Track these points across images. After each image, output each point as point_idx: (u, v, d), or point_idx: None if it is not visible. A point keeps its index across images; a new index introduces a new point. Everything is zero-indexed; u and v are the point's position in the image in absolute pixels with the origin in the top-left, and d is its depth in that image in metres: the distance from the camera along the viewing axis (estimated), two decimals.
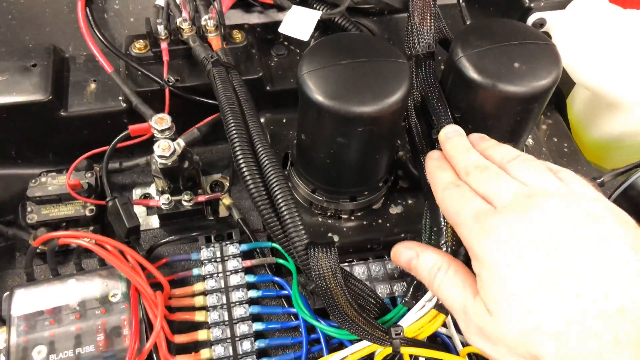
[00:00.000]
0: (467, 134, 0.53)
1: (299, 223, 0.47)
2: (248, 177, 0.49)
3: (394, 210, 0.61)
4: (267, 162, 0.50)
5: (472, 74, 0.50)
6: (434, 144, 0.54)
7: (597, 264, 0.35)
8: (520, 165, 0.43)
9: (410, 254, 0.46)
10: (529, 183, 0.41)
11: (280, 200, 0.47)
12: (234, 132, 0.50)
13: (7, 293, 0.53)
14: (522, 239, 0.37)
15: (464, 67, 0.51)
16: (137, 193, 0.65)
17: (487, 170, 0.43)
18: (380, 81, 0.48)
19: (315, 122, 0.50)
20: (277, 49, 0.69)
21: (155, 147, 0.55)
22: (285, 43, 0.70)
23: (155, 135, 0.56)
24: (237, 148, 0.50)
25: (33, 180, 0.60)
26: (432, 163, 0.49)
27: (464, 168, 0.45)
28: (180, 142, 0.56)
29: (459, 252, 0.46)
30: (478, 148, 0.47)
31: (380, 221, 0.60)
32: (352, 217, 0.60)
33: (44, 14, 0.66)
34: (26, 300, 0.52)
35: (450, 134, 0.50)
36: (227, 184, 0.66)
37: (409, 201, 0.61)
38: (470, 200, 0.42)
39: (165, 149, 0.54)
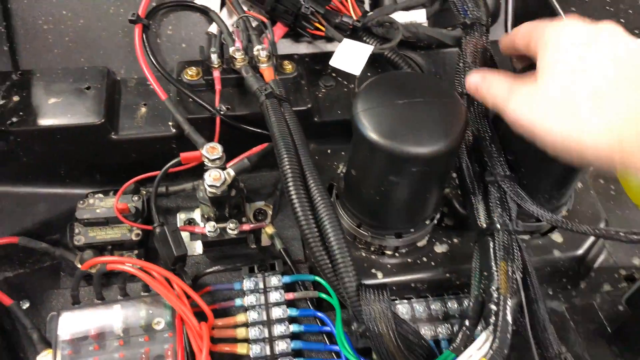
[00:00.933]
0: (520, 177, 0.53)
1: (350, 263, 0.47)
2: (300, 213, 0.49)
3: (439, 248, 0.60)
4: (318, 197, 0.50)
5: None
6: (487, 186, 0.54)
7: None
8: None
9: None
10: None
11: (331, 238, 0.47)
12: (287, 166, 0.51)
13: (53, 314, 0.54)
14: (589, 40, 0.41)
15: None
16: (181, 218, 0.65)
17: None
18: (437, 121, 0.48)
19: (368, 160, 0.50)
20: (325, 80, 0.69)
21: (206, 176, 0.55)
22: (333, 74, 0.70)
23: (205, 163, 0.57)
24: (290, 182, 0.50)
25: (81, 202, 0.61)
26: None
27: None
28: (230, 172, 0.56)
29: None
30: None
31: (424, 259, 0.59)
32: (396, 254, 0.59)
33: (99, 37, 0.68)
34: (72, 323, 0.52)
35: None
36: (270, 212, 0.66)
37: (454, 240, 0.61)
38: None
39: (216, 179, 0.55)
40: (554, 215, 0.50)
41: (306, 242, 0.48)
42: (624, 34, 0.43)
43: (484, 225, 0.52)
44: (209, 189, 0.55)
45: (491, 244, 0.51)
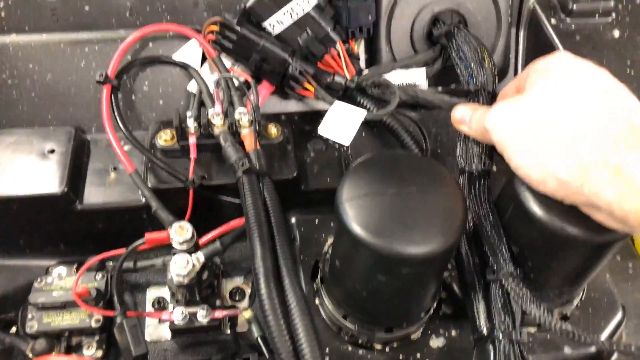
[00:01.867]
0: (525, 271, 0.47)
1: None
2: (272, 321, 0.43)
3: (435, 342, 0.53)
4: (293, 303, 0.44)
5: (538, 210, 0.43)
6: (488, 285, 0.48)
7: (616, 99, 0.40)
8: None
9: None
10: None
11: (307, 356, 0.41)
12: (259, 261, 0.45)
13: None
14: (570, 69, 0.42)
15: (527, 201, 0.44)
16: (150, 296, 0.59)
17: None
18: (432, 217, 0.42)
19: (354, 255, 0.44)
20: (314, 143, 0.64)
21: (172, 263, 0.49)
22: (324, 137, 0.64)
23: (173, 245, 0.51)
24: (262, 281, 0.44)
25: (38, 280, 0.55)
26: None
27: None
28: (200, 257, 0.50)
29: None
30: None
31: (418, 355, 0.53)
32: (387, 349, 0.53)
33: (68, 93, 0.62)
34: None
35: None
36: (249, 291, 0.60)
37: (452, 332, 0.54)
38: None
39: (182, 267, 0.49)
40: (562, 324, 0.44)
41: (276, 354, 0.42)
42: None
43: (484, 332, 0.46)
44: (175, 277, 0.49)
45: (492, 353, 0.45)
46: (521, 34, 0.67)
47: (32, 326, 0.53)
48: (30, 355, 0.52)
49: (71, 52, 0.62)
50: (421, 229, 0.41)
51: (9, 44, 0.61)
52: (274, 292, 0.43)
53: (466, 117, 0.50)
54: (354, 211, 0.42)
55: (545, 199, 0.43)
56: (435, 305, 0.54)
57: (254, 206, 0.48)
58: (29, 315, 0.53)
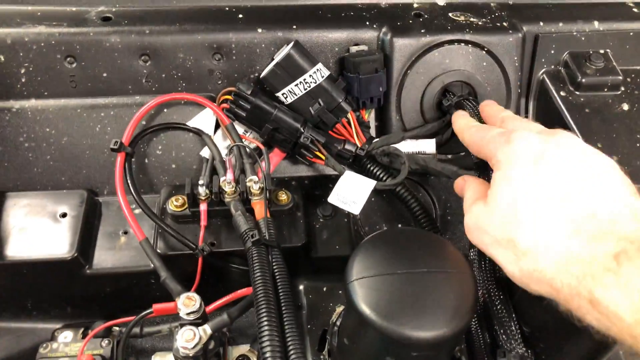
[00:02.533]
0: (537, 352, 0.46)
1: None
2: None
3: None
4: None
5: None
6: None
7: (586, 188, 0.40)
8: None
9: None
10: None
11: None
12: (267, 340, 0.44)
13: None
14: (537, 157, 0.43)
15: None
16: None
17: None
18: (442, 300, 0.42)
19: (363, 335, 0.43)
20: (323, 209, 0.64)
21: (179, 335, 0.49)
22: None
23: (180, 315, 0.50)
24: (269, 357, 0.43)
25: (44, 346, 0.55)
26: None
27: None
28: (207, 330, 0.50)
29: None
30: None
31: None
32: None
33: (83, 156, 0.63)
34: None
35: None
36: (255, 359, 0.59)
37: None
38: (493, 128, 0.50)
39: (189, 340, 0.48)
40: None
41: None
42: (575, 146, 0.43)
43: None
44: (181, 350, 0.49)
45: None
46: (530, 104, 0.68)
47: None
48: None
49: (87, 116, 0.63)
50: (431, 312, 0.41)
51: (27, 108, 0.62)
52: None
53: (463, 190, 0.51)
54: (364, 291, 0.42)
55: None
56: None
57: (263, 280, 0.48)
58: None
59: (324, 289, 0.62)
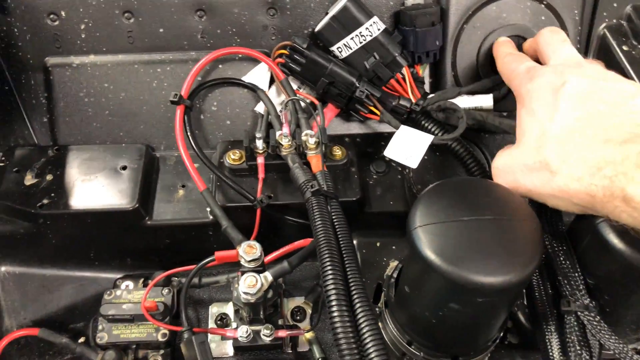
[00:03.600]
0: (601, 304, 0.46)
1: None
2: (343, 341, 0.42)
3: None
4: (364, 319, 0.44)
5: (618, 242, 0.42)
6: (561, 316, 0.46)
7: (615, 102, 0.42)
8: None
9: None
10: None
11: None
12: (332, 285, 0.44)
13: None
14: (557, 87, 0.45)
15: (606, 232, 0.43)
16: (213, 312, 0.60)
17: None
18: (509, 247, 0.41)
19: (426, 282, 0.44)
20: (377, 166, 0.64)
21: (241, 281, 0.50)
22: (386, 159, 0.64)
23: (241, 264, 0.51)
24: (334, 304, 0.44)
25: (108, 293, 0.56)
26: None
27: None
28: (268, 277, 0.51)
29: None
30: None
31: None
32: None
33: (140, 111, 0.65)
34: None
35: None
36: (309, 311, 0.60)
37: None
38: (524, 60, 0.53)
39: (251, 286, 0.49)
40: None
41: None
42: (598, 73, 0.45)
43: None
44: (243, 295, 0.50)
45: None
46: (590, 59, 0.66)
47: (102, 337, 0.54)
48: None
49: (144, 72, 0.64)
50: (498, 258, 0.40)
51: (87, 63, 0.64)
52: (346, 315, 0.43)
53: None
54: (428, 238, 0.41)
55: (626, 231, 0.41)
56: (501, 334, 0.53)
57: (324, 228, 0.49)
58: (100, 327, 0.55)
59: (377, 244, 0.62)
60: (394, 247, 0.61)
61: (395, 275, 0.55)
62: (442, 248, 0.41)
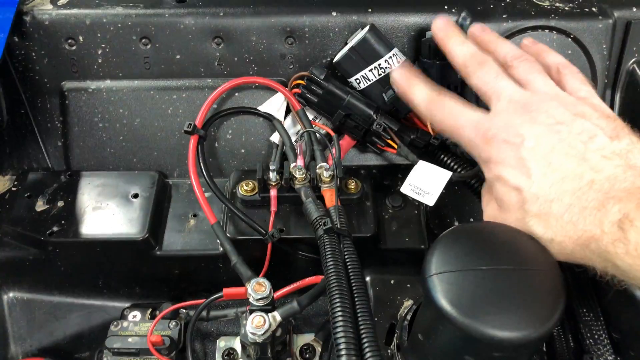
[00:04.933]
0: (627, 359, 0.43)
1: None
2: None
3: None
4: None
5: None
6: None
7: (579, 152, 0.42)
8: (522, 66, 0.49)
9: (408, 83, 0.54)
10: (527, 85, 0.47)
11: None
12: (340, 327, 0.43)
13: None
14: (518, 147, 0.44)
15: (634, 287, 0.41)
16: (220, 346, 0.58)
17: (485, 65, 0.49)
18: (529, 299, 0.39)
19: (441, 332, 0.42)
20: (393, 200, 0.62)
21: (248, 320, 0.48)
22: (403, 193, 0.62)
23: (250, 301, 0.50)
24: (342, 349, 0.42)
25: (114, 324, 0.55)
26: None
27: (462, 58, 0.51)
28: (277, 317, 0.49)
29: None
30: (480, 39, 0.53)
31: None
32: None
33: (154, 138, 0.64)
34: None
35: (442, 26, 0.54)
36: (319, 349, 0.58)
37: None
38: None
39: (259, 326, 0.48)
40: None
41: None
42: (545, 118, 0.44)
43: None
44: (250, 335, 0.48)
45: None
46: (617, 95, 0.64)
47: None
48: None
49: (160, 98, 0.63)
50: (517, 311, 0.38)
51: (103, 88, 0.63)
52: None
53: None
54: (444, 287, 0.40)
55: None
56: None
57: (336, 268, 0.47)
58: (105, 359, 0.54)
59: (392, 281, 0.60)
60: (408, 285, 0.59)
61: (409, 317, 0.53)
62: (459, 298, 0.39)
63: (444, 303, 0.39)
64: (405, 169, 0.59)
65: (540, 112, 0.44)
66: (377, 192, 0.63)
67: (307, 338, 0.59)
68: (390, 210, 0.62)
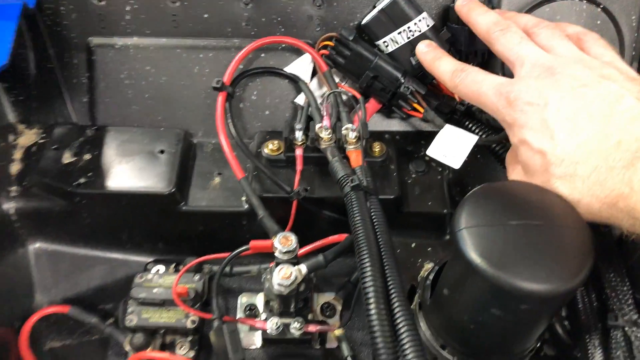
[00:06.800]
0: None
1: None
2: (379, 339, 0.41)
3: None
4: (401, 319, 0.42)
5: None
6: (607, 331, 0.45)
7: (605, 113, 0.42)
8: (543, 32, 0.49)
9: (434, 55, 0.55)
10: (551, 50, 0.47)
11: None
12: (370, 282, 0.43)
13: None
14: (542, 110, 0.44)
15: None
16: (242, 302, 0.59)
17: (509, 31, 0.50)
18: (558, 254, 0.40)
19: (468, 285, 0.42)
20: (416, 165, 0.62)
21: (275, 272, 0.49)
22: (426, 158, 0.63)
23: (276, 255, 0.51)
24: (372, 302, 0.42)
25: (139, 276, 0.56)
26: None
27: (486, 26, 0.51)
28: (302, 269, 0.50)
29: None
30: (499, 13, 0.53)
31: None
32: None
33: (180, 96, 0.64)
34: None
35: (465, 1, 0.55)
36: (339, 307, 0.59)
37: None
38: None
39: (285, 277, 0.48)
40: None
41: None
42: (569, 80, 0.44)
43: None
44: (276, 287, 0.49)
45: None
46: None
47: (132, 320, 0.54)
48: (128, 348, 0.54)
49: (186, 57, 0.64)
50: (546, 265, 0.39)
51: (130, 45, 0.63)
52: (384, 314, 0.42)
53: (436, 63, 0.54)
54: (474, 240, 0.40)
55: None
56: (538, 345, 0.51)
57: (363, 223, 0.48)
58: (129, 309, 0.55)
59: (413, 245, 0.61)
60: (429, 249, 0.60)
61: (431, 277, 0.54)
62: (488, 251, 0.39)
63: (474, 255, 0.39)
64: (429, 136, 0.59)
65: (565, 75, 0.44)
66: (401, 158, 0.63)
67: (328, 297, 0.60)
68: (413, 175, 0.62)
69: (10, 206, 0.59)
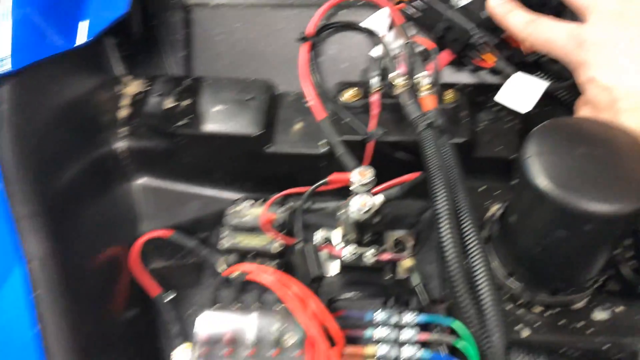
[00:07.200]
0: None
1: (502, 320, 0.43)
2: (453, 262, 0.46)
3: (599, 315, 0.53)
4: (474, 246, 0.47)
5: None
6: None
7: None
8: None
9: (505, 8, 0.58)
10: None
11: (485, 293, 0.44)
12: (442, 206, 0.48)
13: (194, 310, 0.56)
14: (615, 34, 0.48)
15: None
16: (319, 235, 0.65)
17: None
18: (623, 178, 0.43)
19: (535, 209, 0.46)
20: (486, 114, 0.66)
21: (353, 200, 0.54)
22: (496, 108, 0.66)
23: (353, 188, 0.56)
24: (444, 225, 0.47)
25: (231, 206, 0.63)
26: None
27: None
28: (379, 199, 0.55)
29: None
30: None
31: (579, 324, 0.53)
32: (546, 314, 0.54)
33: (265, 51, 0.71)
34: (209, 323, 0.54)
35: None
36: (409, 244, 0.64)
37: (619, 308, 0.54)
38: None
39: (363, 205, 0.54)
40: None
41: (454, 293, 0.45)
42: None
43: None
44: (354, 214, 0.54)
45: None
46: None
47: (225, 243, 0.61)
48: (224, 266, 0.61)
49: (273, 14, 0.70)
50: (610, 188, 0.42)
51: (222, 4, 0.71)
52: (455, 234, 0.46)
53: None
54: (540, 166, 0.43)
55: None
56: (602, 280, 0.54)
57: (435, 156, 0.52)
58: (223, 234, 0.62)
59: (479, 189, 0.65)
60: (496, 193, 0.63)
61: (498, 213, 0.57)
62: (554, 175, 0.43)
63: (541, 179, 0.43)
64: (497, 89, 0.62)
65: (637, 18, 0.47)
66: (471, 108, 0.66)
67: (399, 234, 0.65)
68: (483, 123, 0.66)
69: (119, 145, 0.67)
